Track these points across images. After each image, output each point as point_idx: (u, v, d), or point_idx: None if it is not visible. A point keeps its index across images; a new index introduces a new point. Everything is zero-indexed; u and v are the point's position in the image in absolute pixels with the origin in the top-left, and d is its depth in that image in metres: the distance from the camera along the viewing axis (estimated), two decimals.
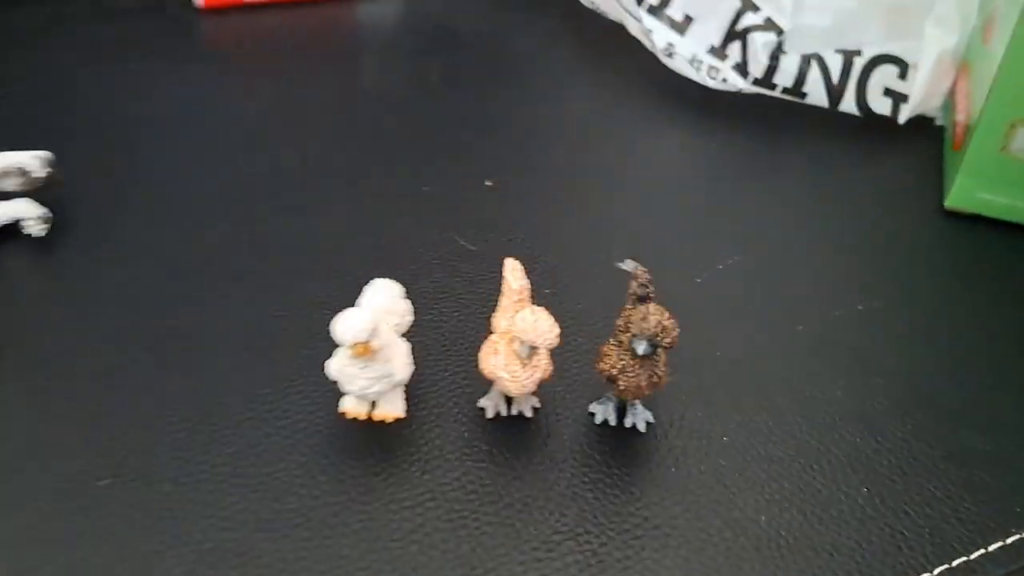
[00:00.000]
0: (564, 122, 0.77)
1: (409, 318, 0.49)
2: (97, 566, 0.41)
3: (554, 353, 0.52)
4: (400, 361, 0.47)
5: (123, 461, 0.46)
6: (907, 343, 0.57)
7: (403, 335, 0.49)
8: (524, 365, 0.46)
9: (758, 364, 0.55)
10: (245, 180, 0.66)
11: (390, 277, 0.51)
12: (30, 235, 0.58)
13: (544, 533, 0.45)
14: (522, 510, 0.45)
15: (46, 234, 0.58)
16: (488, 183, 0.68)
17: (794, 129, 0.77)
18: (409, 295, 0.53)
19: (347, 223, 0.63)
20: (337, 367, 0.46)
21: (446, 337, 0.55)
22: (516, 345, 0.45)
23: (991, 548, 0.46)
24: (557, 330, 0.45)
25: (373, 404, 0.49)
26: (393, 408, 0.49)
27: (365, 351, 0.44)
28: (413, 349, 0.52)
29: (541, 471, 0.47)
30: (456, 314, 0.56)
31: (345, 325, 0.43)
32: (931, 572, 0.44)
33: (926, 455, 0.50)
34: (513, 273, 0.48)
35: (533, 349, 0.45)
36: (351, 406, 0.49)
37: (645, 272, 0.48)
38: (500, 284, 0.50)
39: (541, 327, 0.44)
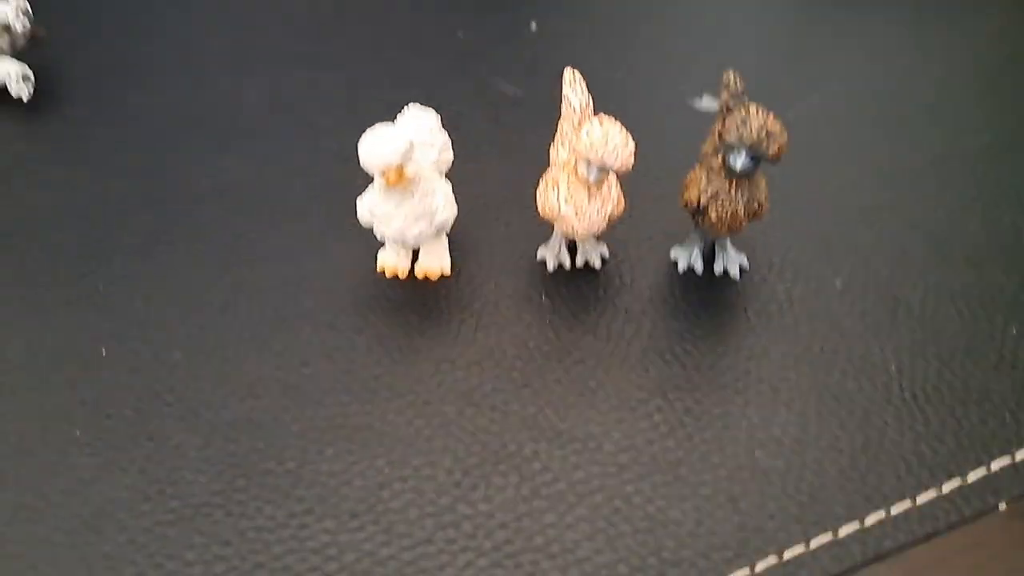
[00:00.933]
0: None
1: (448, 154, 0.41)
2: (92, 441, 0.35)
3: (626, 191, 0.44)
4: (442, 197, 0.39)
5: (123, 328, 0.39)
6: None
7: (444, 176, 0.42)
8: (592, 195, 0.38)
9: (874, 198, 0.46)
10: (253, 31, 0.58)
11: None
12: (20, 99, 0.51)
13: (625, 391, 0.37)
14: (596, 366, 0.38)
15: (32, 96, 0.51)
16: (532, 26, 0.59)
17: None
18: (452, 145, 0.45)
19: (370, 73, 0.55)
20: (368, 206, 0.38)
21: (492, 189, 0.47)
22: (582, 167, 0.37)
23: None
24: (632, 144, 0.36)
25: (415, 259, 0.42)
26: (437, 262, 0.41)
27: (399, 178, 0.36)
28: (457, 200, 0.45)
29: (617, 325, 0.40)
30: (501, 165, 0.48)
31: (373, 146, 0.35)
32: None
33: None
34: (573, 86, 0.40)
35: (603, 171, 0.37)
36: (390, 261, 0.41)
37: (739, 79, 0.40)
38: (551, 133, 0.42)
39: (613, 140, 0.36)
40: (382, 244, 0.41)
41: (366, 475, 0.34)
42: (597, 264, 0.42)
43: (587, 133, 0.36)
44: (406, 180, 0.36)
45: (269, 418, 0.36)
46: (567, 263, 0.42)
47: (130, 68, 0.55)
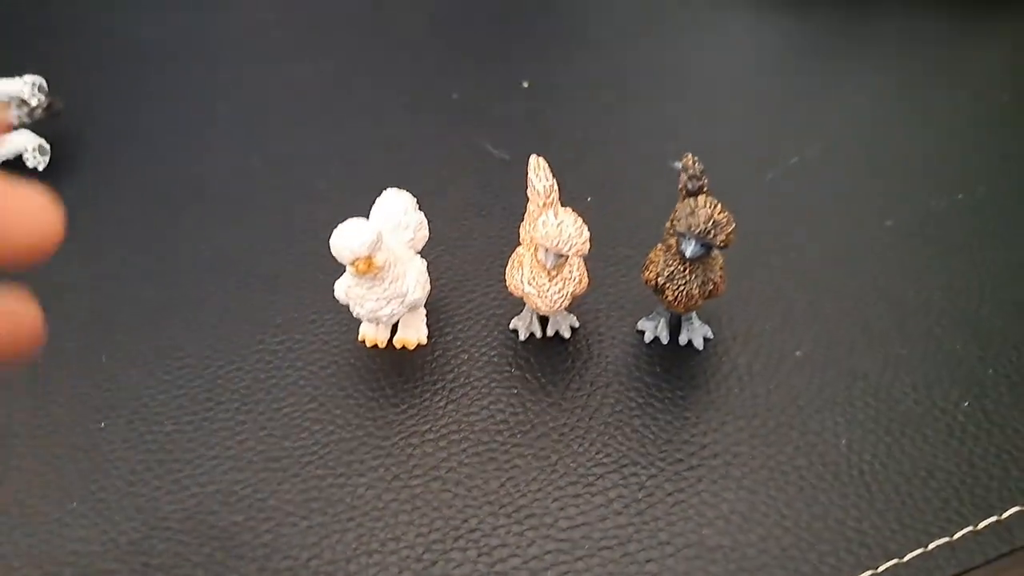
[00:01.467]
0: (611, 8, 0.69)
1: (424, 232, 0.44)
2: (87, 512, 0.38)
3: (597, 265, 0.46)
4: (413, 279, 0.41)
5: (121, 401, 0.42)
6: (1015, 236, 0.49)
7: (419, 252, 0.44)
8: (552, 277, 0.40)
9: (840, 266, 0.47)
10: (253, 100, 0.61)
11: (414, 192, 0.45)
12: (35, 169, 0.55)
13: (584, 466, 0.39)
14: (558, 440, 0.40)
15: (47, 167, 0.55)
16: (524, 84, 0.61)
17: None
18: (435, 210, 0.48)
19: (367, 137, 0.57)
20: (343, 288, 0.41)
21: (475, 255, 0.49)
22: (540, 254, 0.39)
23: None
24: (586, 234, 0.38)
25: (394, 331, 0.44)
26: (414, 333, 0.44)
27: (368, 267, 0.38)
28: (439, 269, 0.47)
29: (581, 397, 0.42)
30: (486, 230, 0.50)
31: (342, 238, 0.38)
32: None
33: None
34: (537, 172, 0.42)
35: (560, 257, 0.39)
36: (370, 333, 0.44)
37: (697, 162, 0.41)
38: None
39: (567, 231, 0.38)
40: None
41: (336, 548, 0.36)
42: (566, 334, 0.44)
43: (543, 223, 0.38)
44: (375, 268, 0.39)
45: (250, 491, 0.38)
46: (538, 333, 0.44)
47: (141, 136, 0.58)
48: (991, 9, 0.67)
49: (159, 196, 0.53)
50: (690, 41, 0.66)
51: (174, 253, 0.50)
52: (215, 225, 0.51)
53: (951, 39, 0.64)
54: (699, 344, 0.43)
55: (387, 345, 0.44)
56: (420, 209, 0.44)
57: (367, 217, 0.42)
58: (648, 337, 0.44)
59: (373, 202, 0.44)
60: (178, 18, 0.69)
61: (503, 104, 0.60)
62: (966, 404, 0.40)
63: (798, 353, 0.43)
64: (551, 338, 0.44)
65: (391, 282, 0.40)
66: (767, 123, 0.57)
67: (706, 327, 0.44)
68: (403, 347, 0.44)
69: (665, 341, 0.43)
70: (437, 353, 0.44)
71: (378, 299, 0.40)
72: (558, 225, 0.38)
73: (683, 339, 0.43)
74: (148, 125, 0.59)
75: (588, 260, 0.48)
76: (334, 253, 0.38)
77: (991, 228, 0.49)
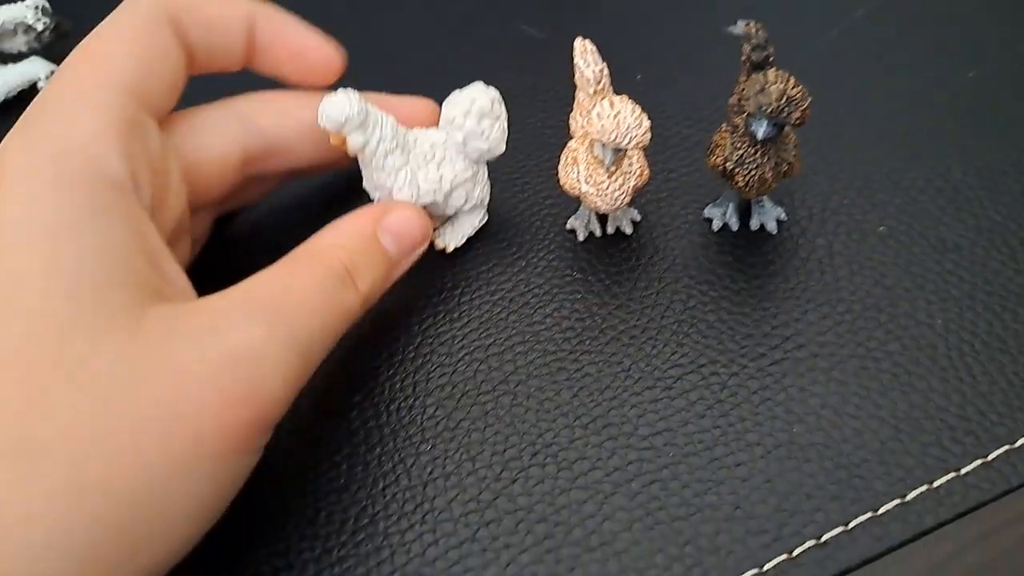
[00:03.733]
0: None
1: (501, 148, 0.40)
2: None
3: (654, 149, 0.42)
4: (475, 183, 0.39)
5: None
6: None
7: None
8: (611, 173, 0.37)
9: (920, 129, 0.43)
10: None
11: (448, 89, 0.41)
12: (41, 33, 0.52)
13: (660, 369, 0.37)
14: (630, 344, 0.38)
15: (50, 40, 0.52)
16: None
17: None
18: None
19: (388, 30, 0.53)
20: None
21: (520, 150, 0.45)
22: (597, 149, 0.36)
23: None
24: (647, 123, 0.35)
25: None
26: (457, 231, 0.41)
27: (340, 142, 0.36)
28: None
29: (650, 296, 0.39)
30: (529, 120, 0.47)
31: (321, 107, 0.36)
32: None
33: None
34: (584, 57, 0.38)
35: (619, 152, 0.35)
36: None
37: (761, 30, 0.37)
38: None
39: (625, 122, 0.34)
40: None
41: (411, 472, 0.35)
42: (628, 230, 0.41)
43: (597, 116, 0.34)
44: (346, 149, 0.36)
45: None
46: (598, 231, 0.41)
47: None
48: None
49: None
50: None
51: None
52: None
53: None
54: (772, 228, 0.40)
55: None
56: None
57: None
58: (716, 225, 0.41)
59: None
60: None
61: None
62: None
63: (881, 228, 0.40)
64: (612, 235, 0.41)
65: (381, 163, 0.38)
66: None
67: (779, 208, 0.40)
68: (443, 250, 0.41)
69: (735, 228, 0.40)
70: (493, 262, 0.41)
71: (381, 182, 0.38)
72: (615, 116, 0.34)
73: (754, 223, 0.40)
74: None
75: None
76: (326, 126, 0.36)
77: None
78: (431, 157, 0.39)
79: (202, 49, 0.37)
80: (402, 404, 0.37)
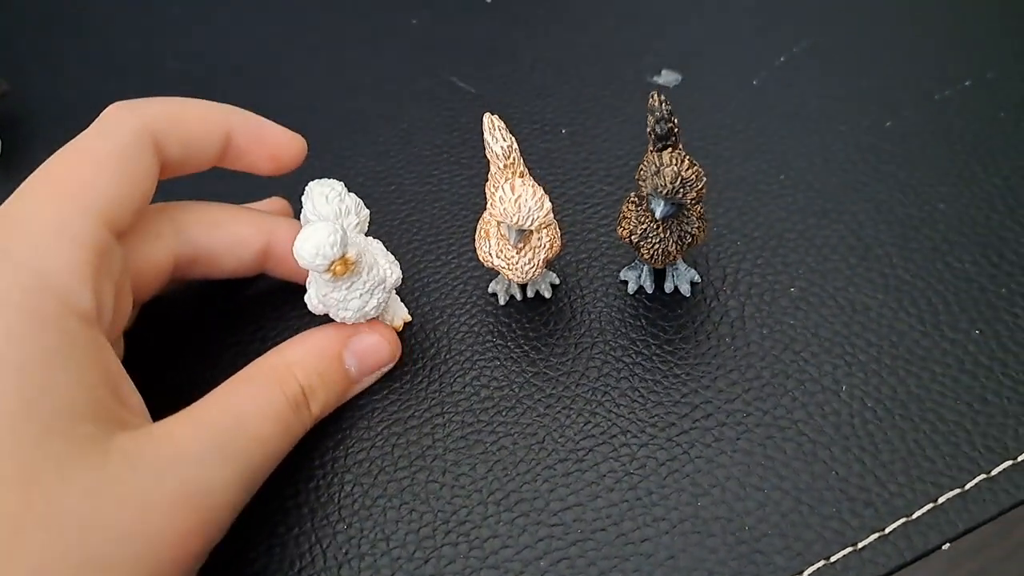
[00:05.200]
0: None
1: (364, 211, 0.40)
2: None
3: (576, 208, 0.43)
4: (384, 259, 0.39)
5: None
6: None
7: (367, 233, 0.41)
8: (520, 249, 0.37)
9: (834, 183, 0.43)
10: (204, 57, 0.57)
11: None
12: None
13: (572, 440, 0.37)
14: (545, 414, 0.38)
15: (3, 151, 0.52)
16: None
17: None
18: (400, 162, 0.45)
19: (316, 84, 0.53)
20: (318, 296, 0.38)
21: (447, 210, 0.46)
22: (503, 228, 0.36)
23: None
24: (547, 205, 0.35)
25: None
26: (398, 316, 0.41)
27: (346, 266, 0.36)
28: (409, 231, 0.44)
29: (566, 362, 0.40)
30: (459, 179, 0.47)
31: (311, 246, 0.35)
32: None
33: None
34: (493, 133, 0.38)
35: (523, 232, 0.36)
36: None
37: (664, 103, 0.37)
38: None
39: (526, 206, 0.35)
40: None
41: (327, 553, 0.36)
42: (547, 294, 0.42)
43: (500, 200, 0.35)
44: (352, 264, 0.36)
45: None
46: (518, 295, 0.42)
47: (96, 112, 0.55)
48: None
49: None
50: None
51: None
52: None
53: None
54: (686, 291, 0.40)
55: None
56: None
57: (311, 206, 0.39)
58: (632, 288, 0.41)
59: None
60: None
61: (467, 27, 0.55)
62: (977, 332, 0.38)
63: (792, 290, 0.40)
64: (532, 299, 0.42)
65: (368, 271, 0.37)
66: (751, 20, 0.52)
67: (692, 271, 0.41)
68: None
69: (650, 290, 0.41)
70: (415, 328, 0.42)
71: (361, 295, 0.38)
72: (515, 200, 0.35)
73: (669, 286, 0.41)
74: (100, 100, 0.56)
75: (565, 201, 0.45)
76: (306, 264, 0.35)
77: (1002, 120, 0.45)
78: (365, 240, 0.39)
79: (178, 159, 0.37)
80: (321, 482, 0.38)
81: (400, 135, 0.50)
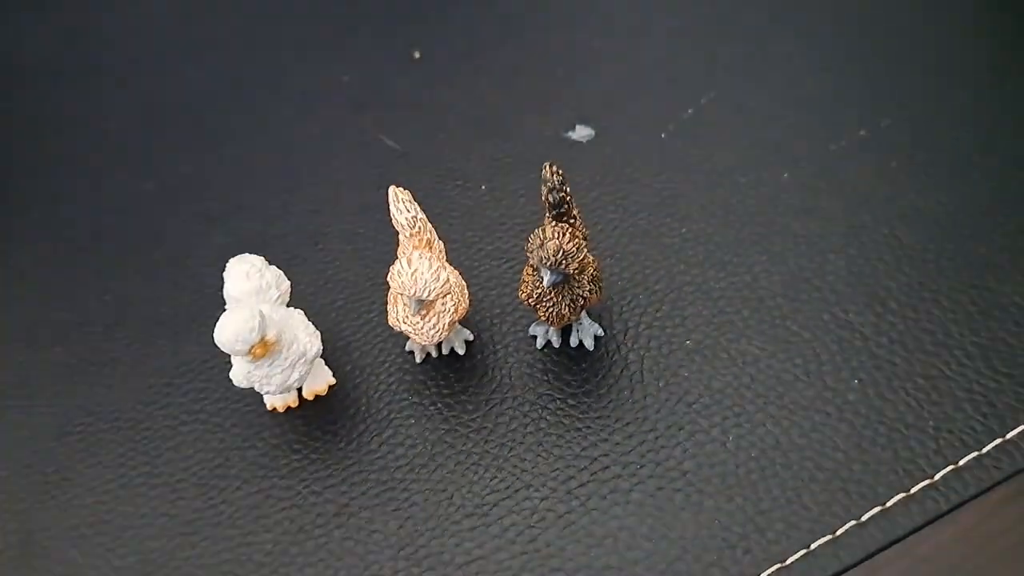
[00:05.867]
0: None
1: (285, 284, 0.43)
2: None
3: (492, 263, 0.46)
4: (304, 334, 0.41)
5: (42, 472, 0.43)
6: (923, 176, 0.46)
7: (288, 303, 0.43)
8: (424, 316, 0.39)
9: (733, 235, 0.46)
10: (141, 116, 0.59)
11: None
12: None
13: (479, 495, 0.40)
14: (454, 470, 0.40)
15: None
16: (416, 54, 0.59)
17: None
18: (330, 218, 0.47)
19: (249, 144, 0.55)
20: (242, 374, 0.40)
21: (371, 268, 0.48)
22: (404, 300, 0.38)
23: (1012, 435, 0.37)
24: (443, 276, 0.37)
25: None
26: (321, 380, 0.44)
27: (266, 349, 0.38)
28: (334, 290, 0.47)
29: (476, 419, 0.42)
30: (382, 237, 0.50)
31: (229, 334, 0.37)
32: (932, 477, 0.37)
33: (940, 322, 0.41)
34: (398, 204, 0.41)
35: (423, 302, 0.38)
36: (279, 401, 0.43)
37: (557, 173, 0.39)
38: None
39: (422, 278, 0.37)
40: None
41: None
42: (461, 351, 0.44)
43: (397, 273, 0.37)
44: (272, 345, 0.38)
45: (166, 558, 0.40)
46: (434, 352, 0.44)
47: (39, 171, 0.57)
48: None
49: (59, 239, 0.53)
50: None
51: (78, 305, 0.50)
52: (113, 268, 0.51)
53: None
54: (589, 344, 0.43)
55: (300, 403, 0.44)
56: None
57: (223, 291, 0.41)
58: (540, 343, 0.43)
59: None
60: (55, 29, 0.67)
61: (395, 81, 0.57)
62: (857, 380, 0.40)
63: (688, 343, 0.42)
64: (447, 356, 0.44)
65: (288, 347, 0.39)
66: (663, 72, 0.54)
67: (596, 325, 0.43)
68: (316, 397, 0.44)
69: (557, 344, 0.43)
70: (336, 388, 0.44)
71: (283, 370, 0.40)
72: (412, 274, 0.37)
73: (574, 340, 0.43)
74: (42, 156, 0.58)
75: (484, 256, 0.47)
76: (226, 350, 0.37)
77: (893, 169, 0.47)
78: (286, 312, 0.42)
79: None
80: (241, 541, 0.40)
81: (330, 193, 0.52)
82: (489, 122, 0.54)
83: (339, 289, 0.48)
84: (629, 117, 0.52)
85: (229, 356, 0.44)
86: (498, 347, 0.44)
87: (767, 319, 0.42)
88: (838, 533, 0.36)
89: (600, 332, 0.43)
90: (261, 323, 0.37)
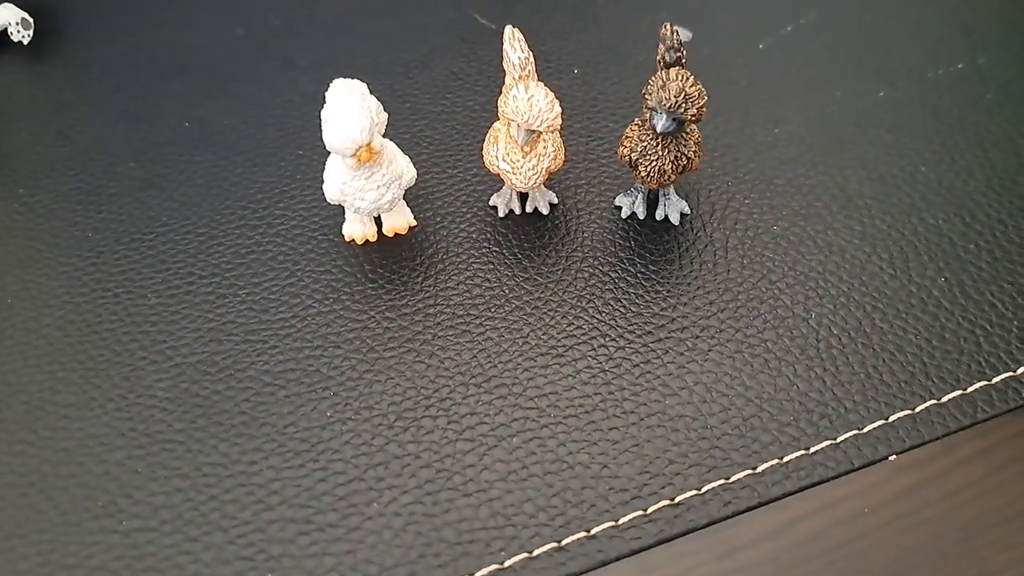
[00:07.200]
0: None
1: (383, 115, 0.42)
2: (77, 380, 0.39)
3: (580, 140, 0.45)
4: (401, 157, 0.41)
5: (107, 275, 0.43)
6: (1012, 109, 0.47)
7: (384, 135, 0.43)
8: (526, 153, 0.39)
9: (826, 139, 0.46)
10: None
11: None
12: (20, 43, 0.54)
13: (555, 338, 0.39)
14: (531, 314, 0.40)
15: (32, 41, 0.54)
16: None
17: None
18: (419, 84, 0.47)
19: (346, 5, 0.56)
20: (338, 186, 0.40)
21: (457, 129, 0.48)
22: (513, 129, 0.38)
23: None
24: (557, 108, 0.37)
25: (378, 223, 0.44)
26: (402, 219, 0.43)
27: (371, 154, 0.38)
28: (420, 144, 0.47)
29: (556, 272, 0.42)
30: (471, 104, 0.50)
31: (341, 130, 0.37)
32: (1015, 371, 0.37)
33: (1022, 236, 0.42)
34: (512, 43, 0.41)
35: (532, 133, 0.38)
36: (357, 231, 0.43)
37: (676, 33, 0.40)
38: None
39: (537, 105, 0.37)
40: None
41: (311, 416, 0.38)
42: (545, 211, 0.44)
43: (513, 98, 0.37)
44: (376, 153, 0.38)
45: (230, 361, 0.40)
46: (517, 209, 0.44)
47: (124, 6, 0.57)
48: None
49: (143, 68, 0.53)
50: None
51: (157, 127, 0.49)
52: (198, 98, 0.51)
53: None
54: (675, 219, 0.43)
55: (378, 238, 0.44)
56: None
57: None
58: (625, 213, 0.43)
59: (354, 74, 0.43)
60: None
61: None
62: (943, 279, 0.40)
63: (775, 228, 0.42)
64: (530, 214, 0.44)
65: (388, 165, 0.39)
66: None
67: (683, 202, 0.43)
68: (395, 234, 0.44)
69: (642, 216, 0.43)
70: (417, 230, 0.44)
71: (379, 187, 0.40)
72: (528, 99, 0.37)
73: (659, 214, 0.43)
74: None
75: (571, 134, 0.47)
76: (335, 148, 0.37)
77: (988, 101, 0.47)
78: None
79: None
80: (310, 354, 0.40)
81: (420, 60, 0.52)
82: (586, 12, 0.54)
83: (424, 144, 0.48)
84: (727, 26, 0.52)
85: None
86: (581, 214, 0.44)
87: (855, 216, 0.43)
88: (917, 409, 0.36)
89: (687, 209, 0.43)
90: (371, 127, 0.37)
